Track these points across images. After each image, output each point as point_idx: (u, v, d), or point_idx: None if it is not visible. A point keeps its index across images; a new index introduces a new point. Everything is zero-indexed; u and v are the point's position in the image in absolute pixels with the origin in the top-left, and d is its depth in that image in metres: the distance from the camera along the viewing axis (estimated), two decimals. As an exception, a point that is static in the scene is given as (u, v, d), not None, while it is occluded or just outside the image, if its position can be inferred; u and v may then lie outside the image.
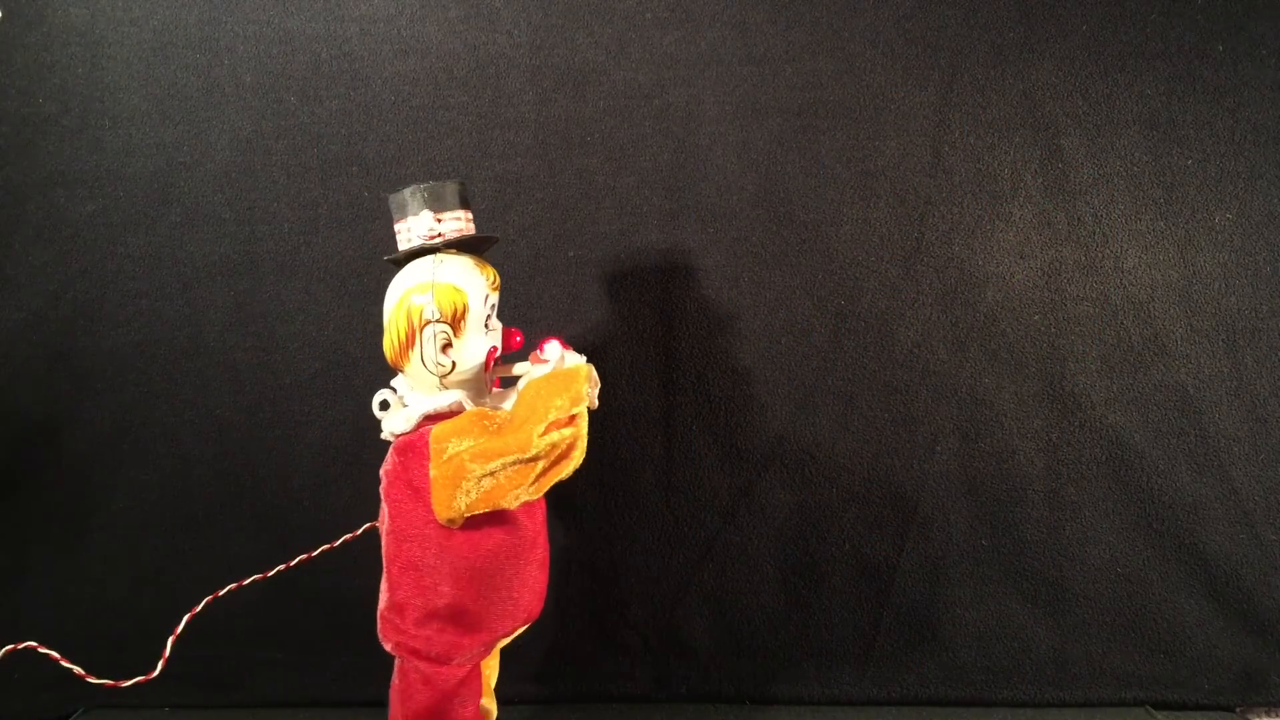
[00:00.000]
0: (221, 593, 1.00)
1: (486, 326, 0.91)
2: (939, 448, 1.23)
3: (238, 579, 1.27)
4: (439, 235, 0.90)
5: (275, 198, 1.23)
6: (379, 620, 0.93)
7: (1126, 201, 1.20)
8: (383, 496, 0.91)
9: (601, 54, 1.20)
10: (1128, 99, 1.18)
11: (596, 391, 0.89)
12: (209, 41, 1.21)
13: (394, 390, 0.94)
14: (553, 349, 0.90)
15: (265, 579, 1.02)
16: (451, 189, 0.91)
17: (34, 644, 0.95)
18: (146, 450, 1.26)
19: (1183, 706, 1.24)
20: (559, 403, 0.84)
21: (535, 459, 0.82)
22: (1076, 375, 1.22)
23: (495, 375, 0.95)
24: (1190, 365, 1.21)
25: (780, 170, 1.21)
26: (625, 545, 1.27)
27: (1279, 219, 1.19)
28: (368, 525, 1.03)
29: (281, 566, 1.03)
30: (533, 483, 0.84)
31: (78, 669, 0.94)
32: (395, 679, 0.94)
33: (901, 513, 1.25)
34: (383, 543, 0.93)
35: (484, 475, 0.83)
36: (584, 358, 0.91)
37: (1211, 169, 1.19)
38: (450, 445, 0.84)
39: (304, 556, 1.04)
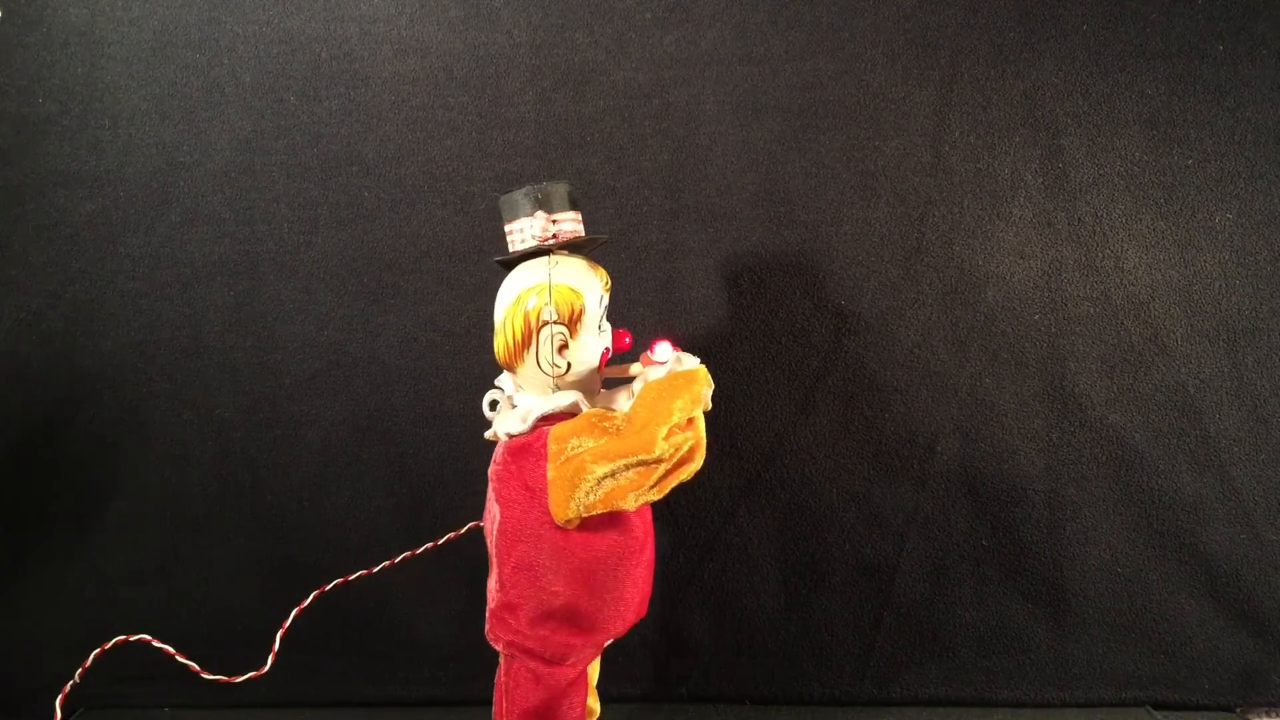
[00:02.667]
0: (328, 587, 1.02)
1: (599, 328, 0.91)
2: (939, 448, 1.23)
3: (238, 578, 1.28)
4: (553, 236, 0.89)
5: (275, 198, 1.23)
6: (488, 618, 0.92)
7: (1126, 201, 1.20)
8: (493, 497, 0.90)
9: (601, 54, 1.20)
10: (1128, 99, 1.18)
11: (709, 393, 0.88)
12: (209, 41, 1.21)
13: (501, 390, 0.93)
14: (664, 350, 0.90)
15: (371, 574, 1.03)
16: (562, 190, 0.90)
17: (147, 637, 0.95)
18: (146, 450, 1.27)
19: (1183, 706, 1.24)
20: (680, 404, 0.84)
21: (658, 461, 0.82)
22: (1076, 375, 1.22)
23: (605, 376, 0.94)
24: (1190, 365, 1.21)
25: (780, 170, 1.21)
26: (625, 545, 1.27)
27: (1279, 219, 1.19)
28: (471, 524, 1.03)
29: (386, 563, 1.04)
30: (654, 485, 0.83)
31: (193, 665, 0.95)
32: (502, 675, 0.93)
33: (901, 513, 1.25)
34: (491, 542, 0.92)
35: (605, 476, 0.82)
36: (698, 359, 0.91)
37: (1211, 169, 1.19)
38: (570, 446, 0.84)
39: (407, 554, 1.04)
